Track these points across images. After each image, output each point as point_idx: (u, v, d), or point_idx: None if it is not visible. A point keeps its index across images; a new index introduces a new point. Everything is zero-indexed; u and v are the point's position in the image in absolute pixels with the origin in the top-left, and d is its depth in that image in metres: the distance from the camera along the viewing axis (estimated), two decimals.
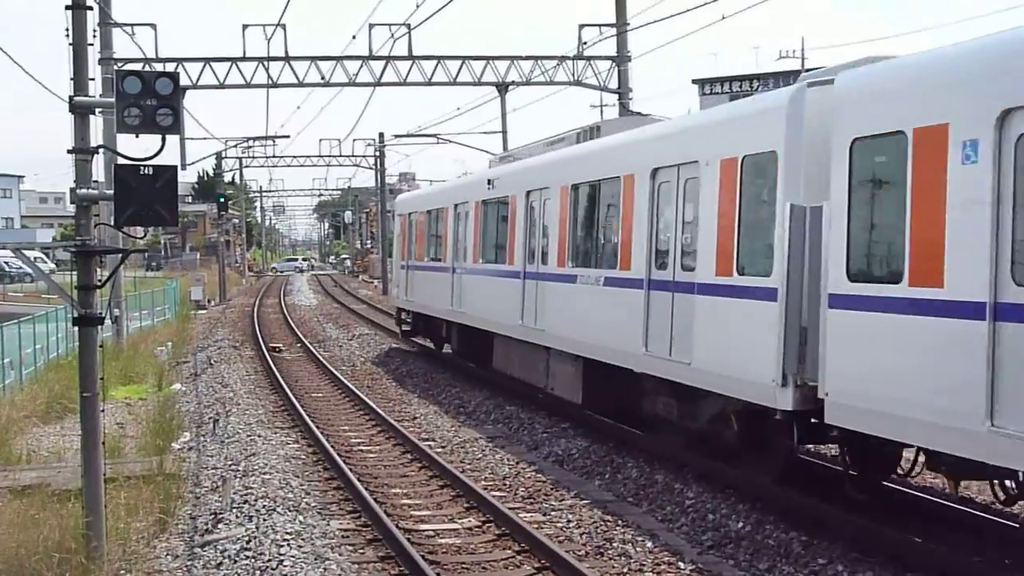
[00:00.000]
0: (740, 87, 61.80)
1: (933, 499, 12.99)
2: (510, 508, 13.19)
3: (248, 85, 35.67)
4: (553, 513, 13.39)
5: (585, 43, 34.47)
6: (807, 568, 10.88)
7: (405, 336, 33.17)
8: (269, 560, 11.12)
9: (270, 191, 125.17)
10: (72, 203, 11.30)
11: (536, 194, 19.97)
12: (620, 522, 12.85)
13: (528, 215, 20.27)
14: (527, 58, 36.89)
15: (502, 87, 38.05)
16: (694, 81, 65.99)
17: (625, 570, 11.06)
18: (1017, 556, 10.59)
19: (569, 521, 13.00)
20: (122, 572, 11.08)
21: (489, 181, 23.03)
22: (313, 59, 36.22)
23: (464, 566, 11.31)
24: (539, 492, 14.55)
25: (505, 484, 15.05)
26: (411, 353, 32.03)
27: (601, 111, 66.67)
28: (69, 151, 11.10)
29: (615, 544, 11.93)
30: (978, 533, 11.50)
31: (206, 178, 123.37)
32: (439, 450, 17.29)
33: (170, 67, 33.23)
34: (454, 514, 13.46)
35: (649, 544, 11.91)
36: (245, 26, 34.87)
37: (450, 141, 49.74)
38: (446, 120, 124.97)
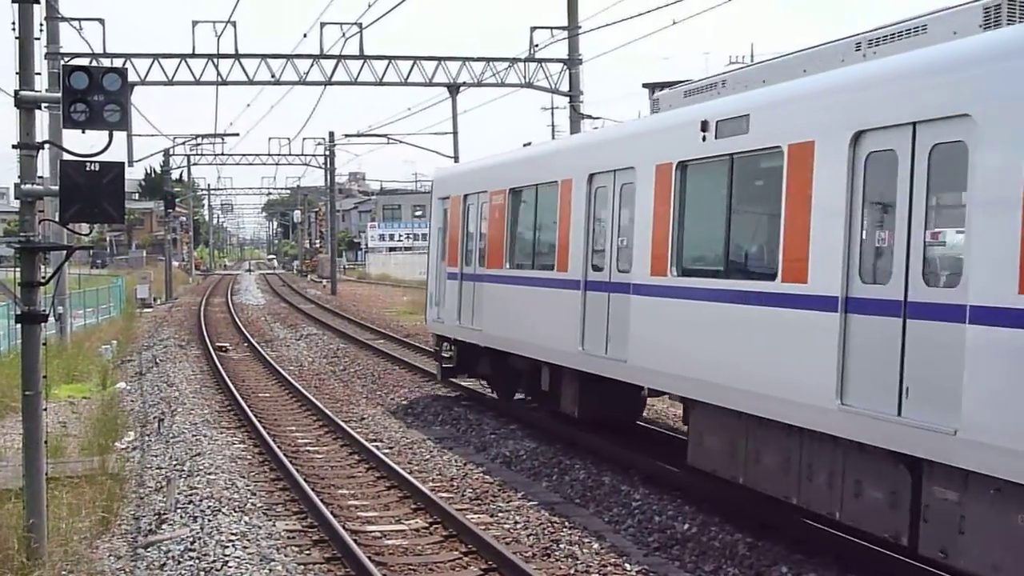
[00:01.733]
0: None
1: None
2: (457, 509, 13.19)
3: (197, 82, 35.37)
4: (500, 514, 13.41)
5: (537, 45, 34.56)
6: (752, 569, 10.99)
7: (446, 377, 22.81)
8: (214, 561, 11.04)
9: (218, 189, 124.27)
10: (16, 199, 11.17)
11: (894, 137, 9.70)
12: (567, 523, 12.89)
13: (858, 182, 10.15)
14: (479, 59, 36.91)
15: (453, 88, 38.05)
16: (644, 85, 66.36)
17: (572, 571, 11.10)
18: None
19: (516, 522, 13.03)
20: (64, 573, 10.94)
21: (704, 124, 12.70)
22: (263, 57, 35.98)
23: (411, 567, 11.29)
24: (487, 493, 14.56)
25: (453, 485, 15.05)
26: (360, 354, 31.82)
27: (552, 113, 66.92)
28: (14, 146, 10.98)
29: (562, 545, 11.97)
30: None
31: (153, 175, 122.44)
32: (386, 451, 17.24)
33: (118, 63, 32.89)
34: (401, 515, 13.44)
35: (596, 545, 11.96)
36: (195, 22, 34.61)
37: (401, 141, 49.85)
38: (397, 120, 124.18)
